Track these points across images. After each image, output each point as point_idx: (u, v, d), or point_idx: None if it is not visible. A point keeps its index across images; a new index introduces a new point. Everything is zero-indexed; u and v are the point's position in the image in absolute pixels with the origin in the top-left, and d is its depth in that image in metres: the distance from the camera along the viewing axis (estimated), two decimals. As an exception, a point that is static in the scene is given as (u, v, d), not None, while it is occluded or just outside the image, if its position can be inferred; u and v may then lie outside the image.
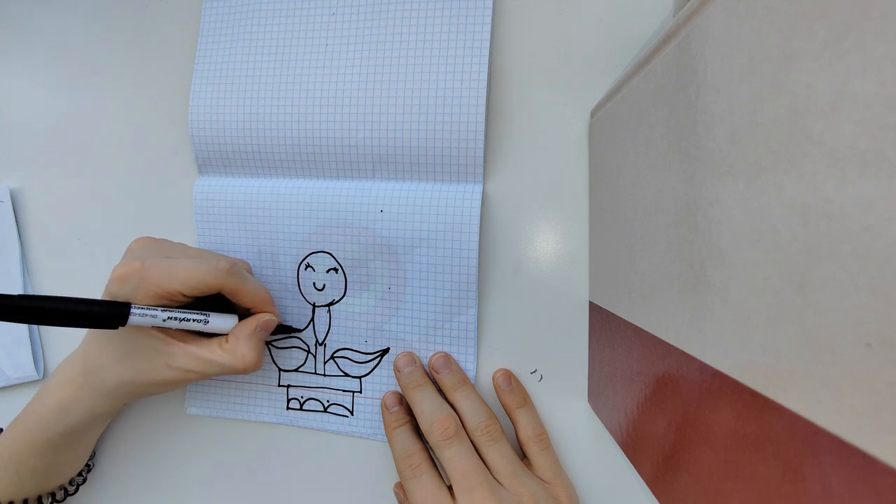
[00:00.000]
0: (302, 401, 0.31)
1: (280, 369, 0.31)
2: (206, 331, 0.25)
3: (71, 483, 0.30)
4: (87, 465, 0.31)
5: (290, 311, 0.31)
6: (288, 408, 0.31)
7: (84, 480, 0.31)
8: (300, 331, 0.31)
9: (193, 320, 0.25)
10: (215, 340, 0.26)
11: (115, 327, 0.22)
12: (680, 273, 0.16)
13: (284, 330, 0.30)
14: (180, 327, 0.24)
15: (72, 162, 0.34)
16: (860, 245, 0.09)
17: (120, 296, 0.23)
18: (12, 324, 0.33)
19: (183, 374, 0.25)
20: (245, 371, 0.26)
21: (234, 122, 0.31)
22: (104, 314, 0.22)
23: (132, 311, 0.22)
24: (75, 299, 0.22)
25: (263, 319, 0.27)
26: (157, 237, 0.27)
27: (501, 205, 0.29)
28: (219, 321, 0.26)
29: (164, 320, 0.23)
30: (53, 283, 0.34)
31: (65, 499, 0.30)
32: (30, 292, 0.34)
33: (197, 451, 0.32)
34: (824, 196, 0.10)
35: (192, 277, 0.24)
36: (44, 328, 0.34)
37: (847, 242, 0.09)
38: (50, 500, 0.29)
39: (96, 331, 0.26)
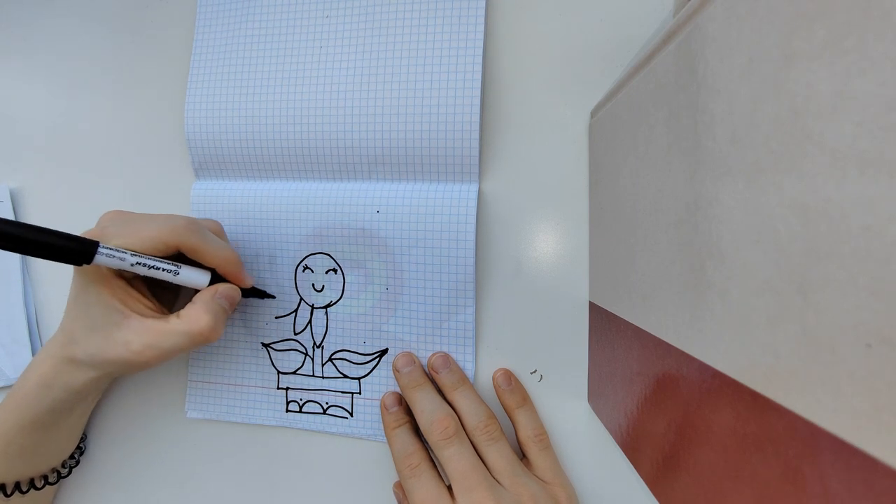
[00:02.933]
0: (301, 403, 0.31)
1: (279, 372, 0.31)
2: (176, 282, 0.25)
3: (63, 466, 0.30)
4: (79, 447, 0.31)
5: (289, 314, 0.31)
6: (287, 410, 0.31)
7: (77, 463, 0.31)
8: (273, 297, 0.30)
9: (163, 269, 0.24)
10: (173, 314, 0.26)
11: (80, 263, 0.22)
12: (680, 273, 0.16)
13: (257, 294, 0.29)
14: (149, 275, 0.24)
15: (72, 162, 0.34)
16: (860, 245, 0.09)
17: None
18: (12, 324, 0.33)
19: (136, 353, 0.24)
20: (201, 336, 0.24)
21: (230, 125, 0.31)
22: (70, 248, 0.22)
23: (100, 249, 0.22)
24: (46, 230, 0.21)
25: (221, 288, 0.26)
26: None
27: (502, 205, 0.29)
28: (190, 274, 0.25)
29: (132, 264, 0.23)
30: (53, 283, 0.34)
31: (58, 481, 0.30)
32: (29, 292, 0.34)
33: (197, 454, 0.32)
34: (824, 196, 0.10)
35: (148, 235, 0.24)
36: (44, 328, 0.34)
37: (847, 242, 0.09)
38: (43, 482, 0.28)
39: (72, 303, 0.25)
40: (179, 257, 0.26)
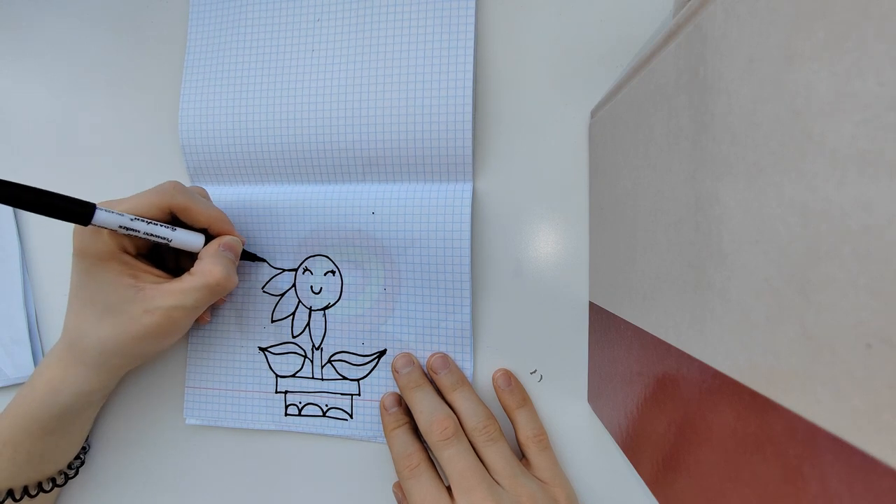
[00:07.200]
0: (300, 406, 0.30)
1: (277, 375, 0.31)
2: (173, 242, 0.26)
3: (70, 467, 0.30)
4: (84, 447, 0.31)
5: (286, 318, 0.31)
6: (286, 414, 0.31)
7: (82, 463, 0.31)
8: (264, 261, 0.31)
9: (161, 226, 0.25)
10: (185, 273, 0.26)
11: (81, 223, 0.23)
12: (680, 273, 0.16)
13: (249, 257, 0.30)
14: (148, 231, 0.25)
15: (69, 164, 0.34)
16: (860, 245, 0.09)
17: (82, 242, 0.25)
18: (12, 324, 0.33)
19: (163, 316, 0.25)
20: (218, 286, 0.25)
21: (224, 130, 0.31)
22: (70, 210, 0.23)
23: (98, 208, 0.23)
24: (48, 192, 0.22)
25: (224, 239, 0.27)
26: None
27: (502, 205, 0.29)
28: (185, 236, 0.26)
29: (131, 220, 0.24)
30: (53, 284, 0.34)
31: (65, 482, 0.30)
32: (29, 292, 0.34)
33: (197, 460, 0.32)
34: (824, 196, 0.10)
35: (140, 202, 0.25)
36: (44, 328, 0.34)
37: (847, 242, 0.09)
38: (50, 485, 0.28)
39: (75, 296, 0.26)
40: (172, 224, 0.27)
